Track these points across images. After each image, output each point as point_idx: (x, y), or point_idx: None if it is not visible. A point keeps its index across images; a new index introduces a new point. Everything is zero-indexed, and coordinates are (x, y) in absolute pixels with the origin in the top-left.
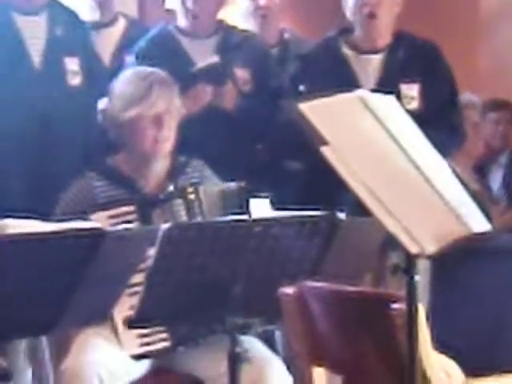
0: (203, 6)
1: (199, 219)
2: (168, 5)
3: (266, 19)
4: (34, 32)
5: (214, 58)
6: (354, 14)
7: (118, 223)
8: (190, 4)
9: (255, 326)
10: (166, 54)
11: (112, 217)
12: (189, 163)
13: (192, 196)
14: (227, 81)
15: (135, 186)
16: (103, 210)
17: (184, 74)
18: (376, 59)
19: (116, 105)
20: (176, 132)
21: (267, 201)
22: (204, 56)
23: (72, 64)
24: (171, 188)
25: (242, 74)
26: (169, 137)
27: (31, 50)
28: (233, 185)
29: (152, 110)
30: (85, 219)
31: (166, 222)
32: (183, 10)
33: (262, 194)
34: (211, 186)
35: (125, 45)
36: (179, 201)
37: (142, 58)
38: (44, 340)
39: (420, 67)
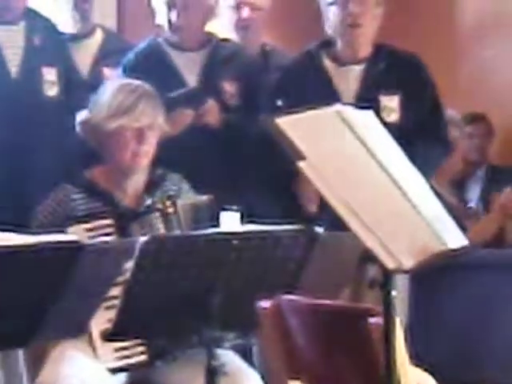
0: (188, 20)
1: (177, 232)
2: (158, 20)
3: (247, 31)
4: (12, 41)
5: (193, 84)
6: (335, 26)
7: (95, 236)
8: (174, 18)
9: (230, 340)
10: (154, 67)
11: (90, 230)
12: (166, 176)
13: (170, 209)
14: (206, 100)
15: (113, 200)
16: (81, 222)
17: (172, 87)
18: (356, 70)
19: (100, 114)
20: (155, 147)
21: (238, 214)
22: (192, 69)
23: (49, 74)
24: (149, 201)
25: (229, 87)
26: (148, 152)
27: (8, 59)
28: (204, 198)
29: (136, 124)
30: (62, 232)
31: (143, 235)
32: (169, 24)
33: (234, 207)
34: (186, 200)
35: (102, 57)
36: (157, 214)
37: (130, 71)
38: (20, 353)
39: (400, 79)
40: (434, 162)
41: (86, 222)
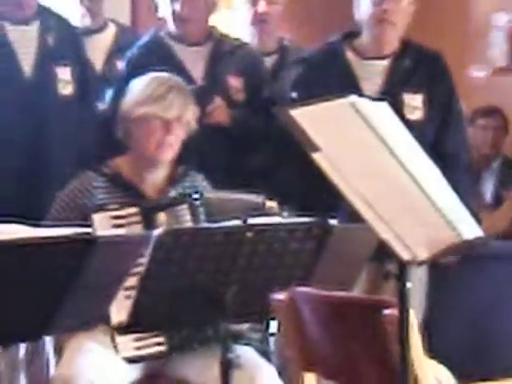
0: (192, 11)
1: (201, 224)
2: (160, 13)
3: (265, 26)
4: (25, 41)
5: (200, 81)
6: (366, 18)
7: (121, 225)
8: (178, 9)
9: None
10: (158, 60)
11: (116, 217)
12: (188, 174)
13: (197, 202)
14: (213, 97)
15: (136, 190)
16: (107, 210)
17: None
18: (381, 66)
19: (130, 101)
20: (180, 143)
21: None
22: (197, 63)
23: (64, 73)
24: (173, 193)
25: (234, 82)
26: (173, 145)
27: (22, 59)
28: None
29: (163, 114)
30: (83, 219)
31: (170, 226)
32: (172, 14)
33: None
34: (213, 193)
35: (116, 50)
36: (184, 206)
37: (134, 65)
38: (48, 345)
39: (425, 78)
40: (471, 188)
41: (113, 210)
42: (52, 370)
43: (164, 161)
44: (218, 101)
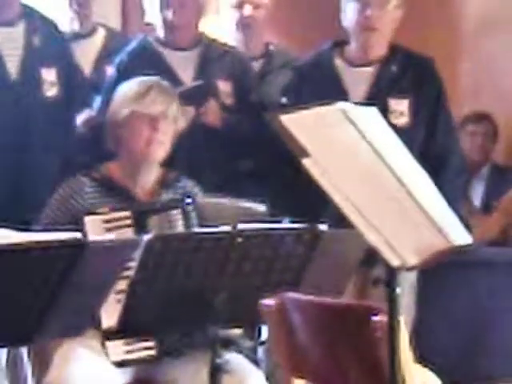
0: (183, 18)
1: (193, 229)
2: (148, 18)
3: (250, 30)
4: (11, 43)
5: (198, 81)
6: (351, 25)
7: (113, 228)
8: (169, 15)
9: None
10: (147, 66)
11: (107, 221)
12: (180, 179)
13: (190, 207)
14: (208, 99)
15: (128, 194)
16: (99, 214)
17: None
18: (368, 72)
19: (114, 106)
20: (171, 143)
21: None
22: (186, 68)
23: (49, 75)
24: (165, 196)
25: (224, 86)
26: (163, 142)
27: (8, 61)
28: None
29: (148, 110)
30: (75, 223)
31: (162, 230)
32: (163, 21)
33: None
34: (206, 198)
35: (105, 55)
36: (177, 211)
37: (124, 71)
38: (25, 354)
39: (413, 83)
40: (461, 192)
41: (104, 214)
42: (29, 378)
43: (155, 159)
44: (212, 102)
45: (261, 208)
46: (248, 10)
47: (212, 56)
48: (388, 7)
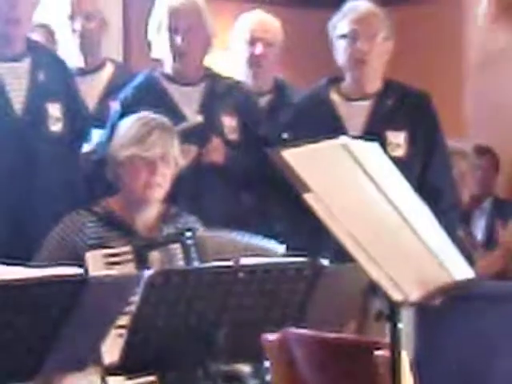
0: (191, 45)
1: (196, 264)
2: (154, 54)
3: (260, 67)
4: (16, 78)
5: (198, 118)
6: (344, 60)
7: (114, 263)
8: (178, 41)
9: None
10: (152, 101)
11: (108, 256)
12: (181, 215)
13: (190, 241)
14: (211, 136)
15: (129, 228)
16: (99, 248)
17: (171, 122)
18: (364, 105)
19: (115, 145)
20: (171, 182)
21: None
22: (191, 103)
23: (54, 110)
24: (166, 231)
25: (229, 121)
26: (161, 184)
27: (13, 96)
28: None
29: (146, 154)
30: (75, 257)
31: (163, 265)
32: (171, 49)
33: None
34: (206, 232)
35: (111, 90)
36: (177, 245)
37: (128, 106)
38: None
39: (408, 116)
40: (456, 225)
41: (105, 248)
42: None
43: (153, 200)
44: (215, 141)
45: (280, 249)
46: (259, 48)
47: (218, 91)
48: (377, 39)
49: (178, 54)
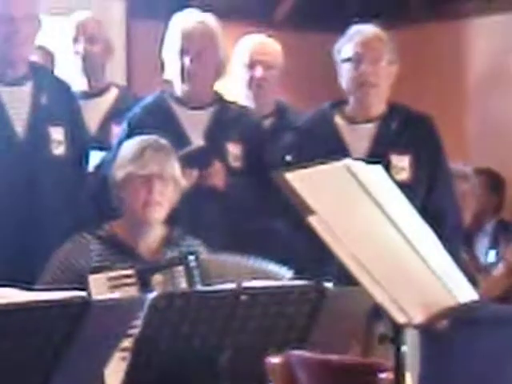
0: (201, 67)
1: (199, 287)
2: (166, 75)
3: (261, 90)
4: (18, 102)
5: (200, 142)
6: (348, 83)
7: (117, 286)
8: (188, 63)
9: None
10: (158, 123)
11: (112, 279)
12: (184, 239)
13: (193, 264)
14: (214, 162)
15: (133, 252)
16: (103, 271)
17: (176, 144)
18: (368, 128)
19: (115, 166)
20: (172, 202)
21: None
22: (197, 127)
23: (56, 133)
24: (169, 255)
25: (233, 149)
26: (161, 203)
27: (15, 119)
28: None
29: (143, 171)
30: (79, 280)
31: (166, 288)
32: (181, 71)
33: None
34: (209, 255)
35: (113, 115)
36: (180, 268)
37: (135, 126)
38: None
39: (412, 140)
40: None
41: (109, 271)
42: None
43: (154, 219)
44: (217, 165)
45: (287, 274)
46: (259, 71)
47: (225, 117)
48: (381, 63)
49: (187, 75)
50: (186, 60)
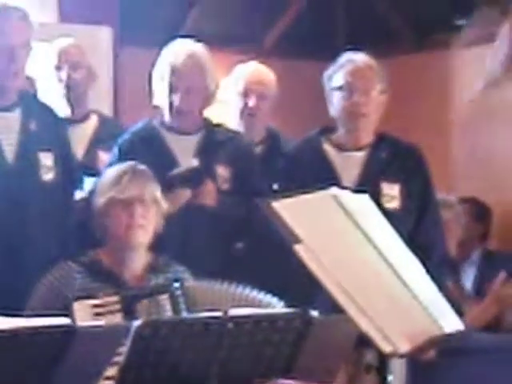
0: (190, 105)
1: (184, 315)
2: (156, 101)
3: (253, 119)
4: (7, 128)
5: (194, 162)
6: (339, 112)
7: (102, 313)
8: (177, 102)
9: None
10: (148, 149)
11: (96, 306)
12: (170, 265)
13: (178, 291)
14: (206, 180)
15: (115, 279)
16: (87, 298)
17: (166, 170)
18: (358, 156)
19: (96, 193)
20: (155, 226)
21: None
22: (187, 152)
23: (46, 159)
24: (154, 281)
25: (222, 171)
26: (143, 226)
27: (4, 144)
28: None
29: (122, 195)
30: (63, 309)
31: (151, 315)
32: (170, 107)
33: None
34: (194, 282)
35: (97, 140)
36: (165, 295)
37: (125, 152)
38: None
39: (401, 169)
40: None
41: (93, 299)
42: None
43: (138, 243)
44: (210, 184)
45: (277, 305)
46: (253, 101)
47: (214, 141)
48: (373, 93)
49: (176, 112)
50: (176, 98)
